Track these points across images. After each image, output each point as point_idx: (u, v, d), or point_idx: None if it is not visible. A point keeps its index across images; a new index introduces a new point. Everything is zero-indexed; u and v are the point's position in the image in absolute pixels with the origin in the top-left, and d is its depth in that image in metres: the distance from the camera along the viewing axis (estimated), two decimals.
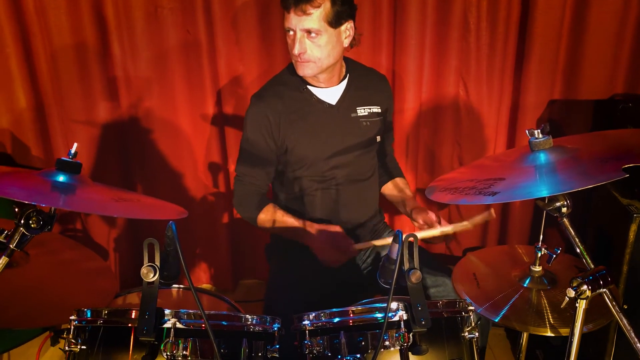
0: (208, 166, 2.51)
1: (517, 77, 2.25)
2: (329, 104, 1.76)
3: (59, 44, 2.20)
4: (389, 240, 1.23)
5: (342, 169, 1.79)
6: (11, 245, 1.17)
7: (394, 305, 1.18)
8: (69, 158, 1.26)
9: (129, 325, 1.16)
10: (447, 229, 1.68)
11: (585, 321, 1.15)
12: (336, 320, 1.22)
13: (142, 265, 1.13)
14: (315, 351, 1.22)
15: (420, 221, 1.75)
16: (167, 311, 1.16)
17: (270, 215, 1.78)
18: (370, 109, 1.81)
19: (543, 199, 1.23)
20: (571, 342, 1.17)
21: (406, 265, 1.19)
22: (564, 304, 1.16)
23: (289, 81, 1.77)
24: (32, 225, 1.16)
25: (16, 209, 1.17)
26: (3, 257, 1.17)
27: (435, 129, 2.40)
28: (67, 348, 1.17)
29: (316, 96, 1.75)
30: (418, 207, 1.83)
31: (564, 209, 1.22)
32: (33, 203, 1.14)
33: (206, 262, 2.75)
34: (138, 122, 2.38)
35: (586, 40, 2.15)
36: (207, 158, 2.49)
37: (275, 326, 1.29)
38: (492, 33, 2.19)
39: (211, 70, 2.31)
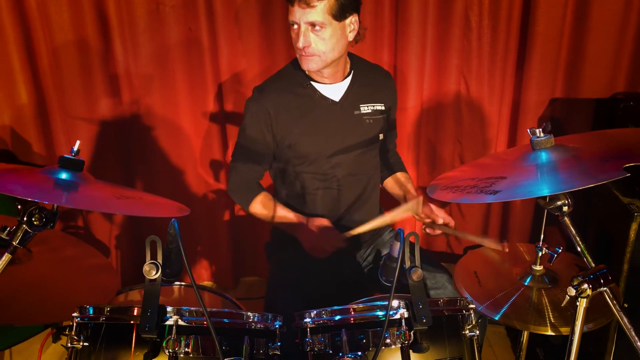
0: (209, 163, 2.51)
1: (519, 76, 2.25)
2: (332, 100, 1.75)
3: (61, 41, 2.20)
4: (377, 221, 1.19)
5: (344, 167, 1.78)
6: (14, 242, 1.17)
7: (395, 303, 1.18)
8: (72, 155, 1.26)
9: (131, 322, 1.17)
10: (449, 231, 1.67)
11: (585, 320, 1.15)
12: (337, 317, 1.23)
13: (144, 262, 1.14)
14: (316, 349, 1.22)
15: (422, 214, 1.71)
16: (169, 308, 1.16)
17: (263, 205, 1.80)
18: (374, 106, 1.79)
19: (544, 197, 1.23)
20: (571, 341, 1.17)
21: (407, 263, 1.19)
22: (564, 302, 1.16)
23: (292, 76, 1.75)
24: (35, 223, 1.16)
25: (19, 206, 1.17)
26: (6, 254, 1.17)
27: (436, 127, 2.41)
28: (69, 345, 1.17)
29: (320, 92, 1.74)
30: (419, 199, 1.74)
31: (565, 208, 1.22)
32: (36, 200, 1.14)
33: (207, 260, 2.75)
34: (139, 119, 2.38)
35: (587, 39, 2.15)
36: (208, 155, 2.49)
37: (277, 324, 1.29)
38: (493, 31, 2.19)
39: (213, 67, 2.31)
